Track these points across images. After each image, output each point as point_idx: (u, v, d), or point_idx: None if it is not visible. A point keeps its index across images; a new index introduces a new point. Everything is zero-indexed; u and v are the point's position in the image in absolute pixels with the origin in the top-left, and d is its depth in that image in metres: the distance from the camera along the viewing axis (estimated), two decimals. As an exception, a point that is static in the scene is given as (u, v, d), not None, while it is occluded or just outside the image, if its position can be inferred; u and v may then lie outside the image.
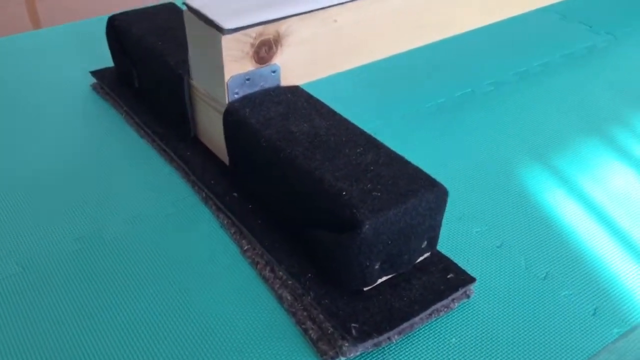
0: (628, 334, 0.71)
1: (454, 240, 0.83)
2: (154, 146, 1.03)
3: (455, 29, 1.14)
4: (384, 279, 0.72)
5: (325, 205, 0.70)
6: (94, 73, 1.21)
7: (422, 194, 0.69)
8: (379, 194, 0.69)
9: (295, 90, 0.88)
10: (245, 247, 0.81)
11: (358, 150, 0.76)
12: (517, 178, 0.96)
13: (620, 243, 0.83)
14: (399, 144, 0.78)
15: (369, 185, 0.70)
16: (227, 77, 0.83)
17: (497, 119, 1.11)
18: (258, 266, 0.79)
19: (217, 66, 0.83)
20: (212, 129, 0.94)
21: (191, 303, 0.74)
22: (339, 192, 0.69)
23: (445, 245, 0.81)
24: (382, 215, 0.67)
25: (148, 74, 1.05)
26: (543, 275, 0.78)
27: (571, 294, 0.76)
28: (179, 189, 0.94)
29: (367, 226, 0.65)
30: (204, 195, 0.91)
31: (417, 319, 0.70)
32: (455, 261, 0.77)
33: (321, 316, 0.70)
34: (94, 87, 1.21)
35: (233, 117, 0.83)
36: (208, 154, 0.97)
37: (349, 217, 0.67)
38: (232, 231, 0.84)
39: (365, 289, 0.71)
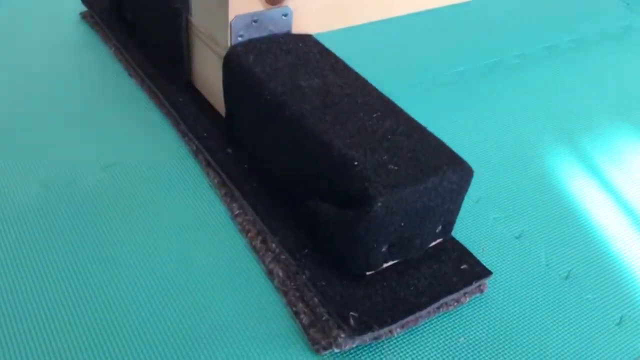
0: (656, 350, 0.63)
1: (470, 225, 0.75)
2: (143, 87, 0.92)
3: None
4: (390, 263, 0.64)
5: (333, 174, 0.61)
6: (85, 1, 1.09)
7: (445, 173, 0.60)
8: (396, 168, 0.59)
9: (307, 39, 0.77)
10: (236, 212, 0.72)
11: (375, 115, 0.66)
12: (541, 162, 0.87)
13: (653, 247, 0.75)
14: (413, 113, 0.69)
15: (385, 157, 0.60)
16: (231, 16, 0.72)
17: (522, 94, 1.01)
18: (248, 235, 0.70)
19: (221, 2, 0.72)
20: (209, 74, 0.83)
21: (167, 272, 0.65)
22: (349, 161, 0.59)
23: (460, 230, 0.72)
24: (398, 193, 0.57)
25: (142, 5, 0.93)
26: (565, 274, 0.70)
27: (595, 299, 0.68)
28: (167, 138, 0.84)
29: (379, 203, 0.56)
30: (194, 147, 0.81)
31: (423, 312, 0.61)
32: (470, 250, 0.69)
33: (316, 299, 0.61)
34: (84, 16, 1.10)
35: (235, 63, 0.73)
36: (202, 102, 0.87)
37: (360, 190, 0.57)
38: (223, 192, 0.75)
39: (368, 273, 0.63)
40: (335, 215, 0.60)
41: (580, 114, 0.98)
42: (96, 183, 0.75)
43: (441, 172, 0.60)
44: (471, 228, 0.75)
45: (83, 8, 1.10)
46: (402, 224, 0.60)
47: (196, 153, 0.80)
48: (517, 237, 0.74)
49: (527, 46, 1.15)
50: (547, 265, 0.71)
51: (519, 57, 1.11)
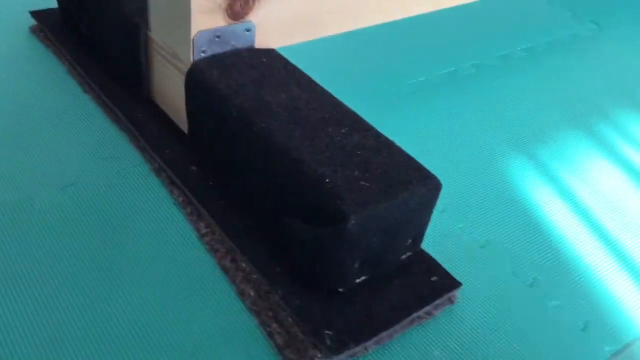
0: (620, 353, 0.65)
1: (436, 236, 0.76)
2: (100, 103, 0.90)
3: (443, 2, 1.05)
4: (363, 278, 0.64)
5: (304, 192, 0.60)
6: (35, 14, 1.05)
7: (415, 187, 0.61)
8: (367, 184, 0.59)
9: (270, 53, 0.77)
10: (203, 231, 0.71)
11: (343, 131, 0.66)
12: (501, 171, 0.89)
13: (612, 252, 0.78)
14: (375, 124, 0.69)
15: (355, 173, 0.60)
16: (193, 31, 0.71)
17: (479, 104, 1.04)
18: (217, 254, 0.68)
19: (183, 18, 0.71)
20: (170, 90, 0.81)
21: (132, 295, 0.63)
22: (321, 178, 0.59)
23: (427, 241, 0.72)
24: (371, 210, 0.57)
25: (97, 19, 0.91)
26: (530, 282, 0.72)
27: (560, 305, 0.70)
28: (126, 155, 0.81)
29: (352, 221, 0.56)
30: (156, 165, 0.79)
31: (397, 326, 0.62)
32: (438, 260, 0.69)
33: (290, 319, 0.61)
34: (34, 30, 1.05)
35: (198, 79, 0.72)
36: (163, 118, 0.85)
37: (333, 208, 0.57)
38: (188, 210, 0.73)
39: (341, 289, 0.62)
40: (308, 232, 0.60)
41: (535, 122, 1.01)
42: (53, 205, 0.73)
43: (411, 187, 0.61)
44: (438, 238, 0.75)
45: (32, 21, 1.06)
46: (375, 240, 0.60)
47: (158, 171, 0.78)
48: (482, 246, 0.76)
49: (482, 55, 1.17)
50: (513, 273, 0.73)
51: (475, 67, 1.14)
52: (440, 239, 0.75)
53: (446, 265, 0.69)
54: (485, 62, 1.15)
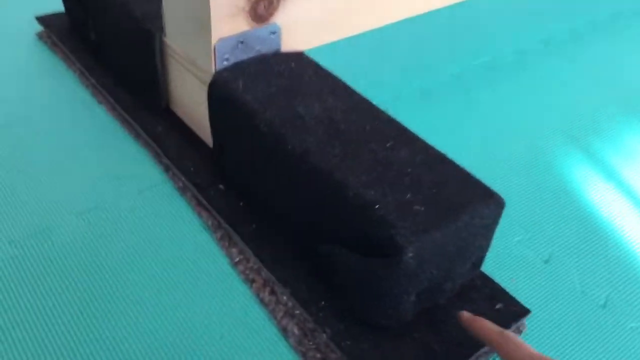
0: None
1: (492, 252, 0.68)
2: (115, 116, 0.83)
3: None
4: (418, 310, 0.57)
5: (350, 219, 0.53)
6: (41, 19, 0.99)
7: (476, 208, 0.53)
8: (422, 208, 0.52)
9: (299, 57, 0.69)
10: (236, 259, 0.64)
11: (388, 145, 0.58)
12: (557, 170, 0.81)
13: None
14: (409, 124, 0.61)
15: (407, 195, 0.53)
16: (214, 39, 0.63)
17: (523, 93, 0.95)
18: (254, 285, 0.62)
19: (202, 24, 0.63)
20: (190, 101, 0.74)
21: (167, 334, 0.57)
22: (369, 203, 0.52)
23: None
24: (428, 238, 0.50)
25: (108, 25, 0.84)
26: (603, 302, 0.64)
27: (638, 327, 0.62)
28: (147, 173, 0.75)
29: (410, 254, 0.49)
30: (180, 184, 0.72)
31: (462, 365, 0.55)
32: (498, 281, 0.62)
33: (340, 362, 0.54)
34: (40, 36, 0.99)
35: (222, 90, 0.64)
36: (184, 130, 0.78)
37: (386, 239, 0.50)
38: (219, 235, 0.67)
39: (395, 325, 0.56)
40: (357, 263, 0.53)
41: (587, 112, 0.92)
42: (72, 233, 0.66)
43: (472, 208, 0.53)
44: (495, 254, 0.68)
45: (39, 27, 0.99)
46: (433, 271, 0.53)
47: (183, 190, 0.72)
48: (545, 262, 0.68)
49: (522, 40, 1.08)
50: (582, 292, 0.65)
51: (515, 53, 1.05)
52: (497, 256, 0.68)
53: (505, 286, 0.62)
54: (525, 48, 1.06)
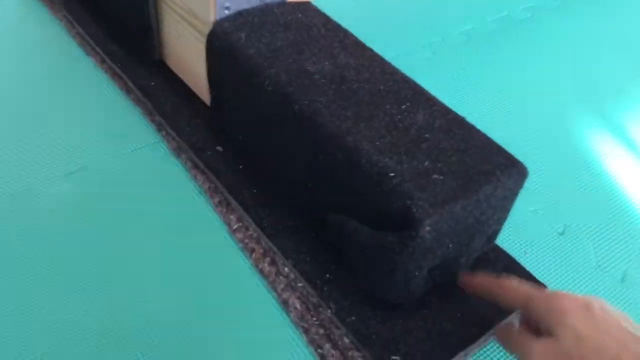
0: None
1: (506, 223, 0.64)
2: (105, 69, 0.77)
3: None
4: (430, 286, 0.53)
5: (363, 188, 0.49)
6: (22, -40, 0.91)
7: (499, 178, 0.49)
8: (441, 177, 0.48)
9: (307, 8, 0.64)
10: (235, 226, 0.60)
11: (404, 107, 0.54)
12: (574, 135, 0.76)
13: None
14: (421, 83, 0.57)
15: (425, 163, 0.49)
16: (214, -16, 0.58)
17: (539, 52, 0.90)
18: (253, 255, 0.58)
19: (201, -33, 0.57)
20: (186, 53, 0.69)
21: (158, 304, 0.53)
22: (383, 171, 0.48)
23: (497, 230, 0.62)
24: (447, 210, 0.46)
25: (96, -32, 0.77)
26: (620, 277, 0.61)
27: (658, 305, 0.59)
28: (140, 132, 0.70)
29: (427, 227, 0.45)
30: (175, 145, 0.67)
31: (474, 345, 0.52)
32: (510, 253, 0.59)
33: (346, 340, 0.51)
34: (22, -20, 0.92)
35: (222, 43, 0.59)
36: (179, 85, 0.72)
37: (402, 211, 0.46)
38: (216, 200, 0.62)
39: (405, 302, 0.52)
40: (369, 237, 0.49)
41: (605, 74, 0.87)
42: (59, 195, 0.62)
43: (494, 179, 0.49)
44: (508, 225, 0.64)
45: (22, -30, 0.92)
46: (450, 246, 0.49)
47: (178, 151, 0.67)
48: (560, 233, 0.65)
49: (536, -3, 1.02)
50: (599, 266, 0.62)
51: (529, 10, 0.99)
52: (511, 227, 0.64)
53: (519, 259, 0.58)
54: (540, 4, 1.00)
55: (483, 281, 0.50)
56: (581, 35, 0.95)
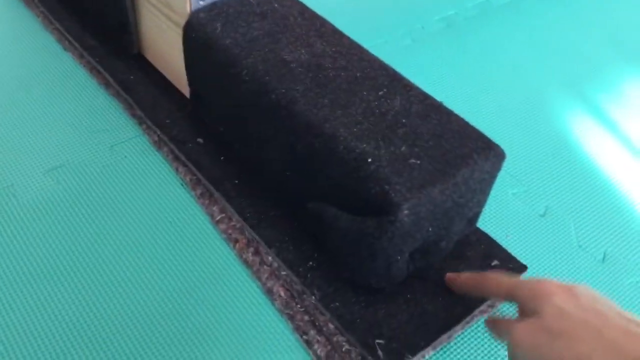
0: None
1: (487, 206, 0.64)
2: (83, 64, 0.77)
3: None
4: (411, 270, 0.54)
5: (341, 174, 0.49)
6: (-3, -43, 0.90)
7: (476, 162, 0.49)
8: (418, 162, 0.48)
9: (283, -3, 0.64)
10: (218, 217, 0.60)
11: (381, 93, 0.54)
12: (555, 119, 0.77)
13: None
14: (403, 70, 0.57)
15: (402, 148, 0.49)
16: (188, -25, 0.57)
17: (519, 37, 0.90)
18: (237, 245, 0.58)
19: (174, -42, 0.57)
20: (164, 46, 0.69)
21: (145, 299, 0.54)
22: (361, 157, 0.48)
23: (478, 213, 0.62)
24: (425, 194, 0.47)
25: (71, -38, 0.77)
26: (601, 257, 0.62)
27: (638, 282, 0.60)
28: (120, 126, 0.70)
29: (405, 211, 0.45)
30: (156, 138, 0.67)
31: (457, 326, 0.52)
32: (493, 237, 0.59)
33: (331, 325, 0.51)
34: (-2, -23, 0.91)
35: (198, 33, 0.59)
36: (158, 78, 0.72)
37: (379, 196, 0.46)
38: (198, 192, 0.62)
39: (387, 286, 0.53)
40: (349, 223, 0.49)
41: (585, 58, 0.88)
42: (39, 192, 0.62)
43: (472, 162, 0.49)
44: (489, 208, 0.65)
45: (-3, -33, 0.91)
46: (430, 229, 0.49)
47: (159, 144, 0.67)
48: (542, 215, 0.65)
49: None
50: (580, 247, 0.63)
51: (509, -5, 0.99)
52: (492, 209, 0.65)
53: (501, 241, 0.59)
54: (520, -11, 1.01)
55: (468, 278, 0.50)
56: (561, 20, 0.95)
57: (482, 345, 0.53)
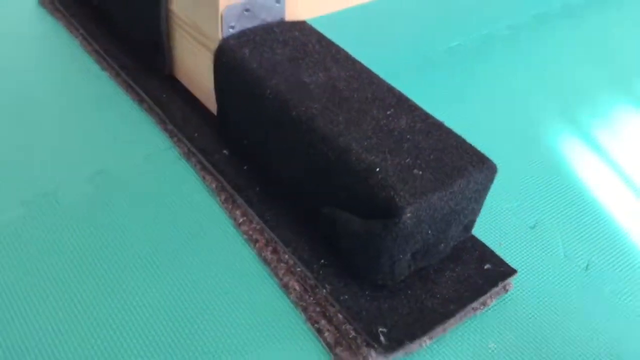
0: (684, 340, 0.62)
1: (483, 217, 0.71)
2: (119, 82, 0.85)
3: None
4: (413, 270, 0.60)
5: (352, 182, 0.56)
6: (41, -16, 1.00)
7: (471, 173, 0.57)
8: (420, 172, 0.55)
9: (303, 27, 0.72)
10: (240, 220, 0.67)
11: (389, 112, 0.61)
12: (546, 143, 0.84)
13: (671, 230, 0.74)
14: (409, 94, 0.64)
15: (407, 160, 0.56)
16: (222, 6, 0.65)
17: (518, 67, 0.98)
18: (257, 245, 0.65)
19: (210, -9, 0.65)
20: (195, 68, 0.76)
21: (172, 291, 0.60)
22: (370, 167, 0.55)
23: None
24: (426, 200, 0.54)
25: (112, -9, 0.85)
26: (584, 265, 0.68)
27: (617, 290, 0.66)
28: (153, 139, 0.77)
29: (408, 214, 0.52)
30: (185, 150, 0.75)
31: (452, 320, 0.59)
32: (488, 245, 0.66)
33: (340, 316, 0.58)
34: (42, 2, 1.00)
35: (228, 58, 0.67)
36: (188, 97, 0.80)
37: (385, 200, 0.53)
38: (222, 198, 0.69)
39: (391, 283, 0.59)
40: (358, 226, 0.56)
41: (579, 86, 0.95)
42: (82, 196, 0.69)
43: (467, 173, 0.56)
44: (485, 220, 0.72)
45: (40, -8, 1.00)
46: (429, 232, 0.56)
47: (188, 155, 0.74)
48: (532, 227, 0.72)
49: (516, 15, 1.11)
50: (566, 256, 0.69)
51: (509, 28, 1.07)
52: (487, 221, 0.71)
53: (495, 249, 0.65)
54: (519, 23, 1.09)
55: None
56: (557, 50, 1.03)
57: (473, 340, 0.60)
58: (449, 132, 0.60)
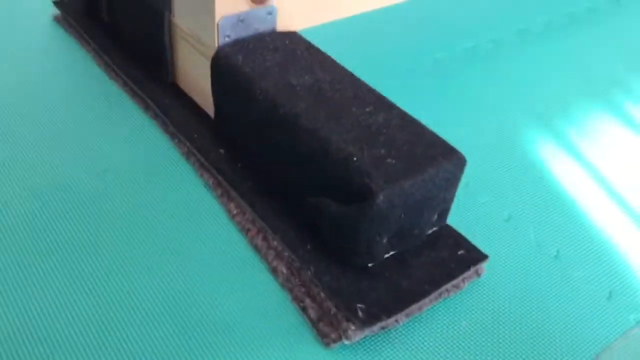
0: (645, 321, 0.67)
1: (460, 210, 0.77)
2: (126, 90, 0.92)
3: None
4: (391, 254, 0.66)
5: (332, 171, 0.62)
6: (58, 3, 1.07)
7: (441, 163, 0.62)
8: (394, 161, 0.61)
9: (292, 36, 0.78)
10: (234, 212, 0.73)
11: (367, 110, 0.67)
12: (521, 144, 0.90)
13: (636, 223, 0.79)
14: (392, 99, 0.70)
15: (382, 151, 0.62)
16: (218, 17, 0.72)
17: (499, 79, 1.04)
18: (249, 233, 0.71)
19: (207, 4, 0.72)
20: (194, 75, 0.83)
21: (170, 274, 0.66)
22: (348, 156, 0.61)
23: (451, 215, 0.74)
24: (398, 186, 0.59)
25: (120, 6, 0.92)
26: (554, 254, 0.73)
27: (584, 276, 0.71)
28: (156, 141, 0.83)
29: (381, 197, 0.58)
30: (185, 150, 0.81)
31: (426, 300, 0.64)
32: (463, 234, 0.71)
33: (322, 294, 0.63)
34: (57, 20, 1.08)
35: (223, 63, 0.73)
36: (188, 102, 0.87)
37: (361, 186, 0.59)
38: (219, 192, 0.75)
39: (370, 265, 0.64)
40: (338, 210, 0.62)
41: (555, 96, 1.01)
42: (91, 190, 0.75)
43: (437, 163, 0.62)
44: (462, 213, 0.77)
45: (56, 11, 1.08)
46: (402, 216, 0.62)
47: (188, 155, 0.81)
48: (506, 220, 0.77)
49: (500, 30, 1.17)
50: (537, 245, 0.74)
51: (493, 42, 1.14)
52: (465, 213, 0.77)
53: (471, 239, 0.70)
54: (503, 38, 1.15)
55: None
56: (537, 63, 1.09)
57: (446, 318, 0.65)
58: (422, 128, 0.66)
